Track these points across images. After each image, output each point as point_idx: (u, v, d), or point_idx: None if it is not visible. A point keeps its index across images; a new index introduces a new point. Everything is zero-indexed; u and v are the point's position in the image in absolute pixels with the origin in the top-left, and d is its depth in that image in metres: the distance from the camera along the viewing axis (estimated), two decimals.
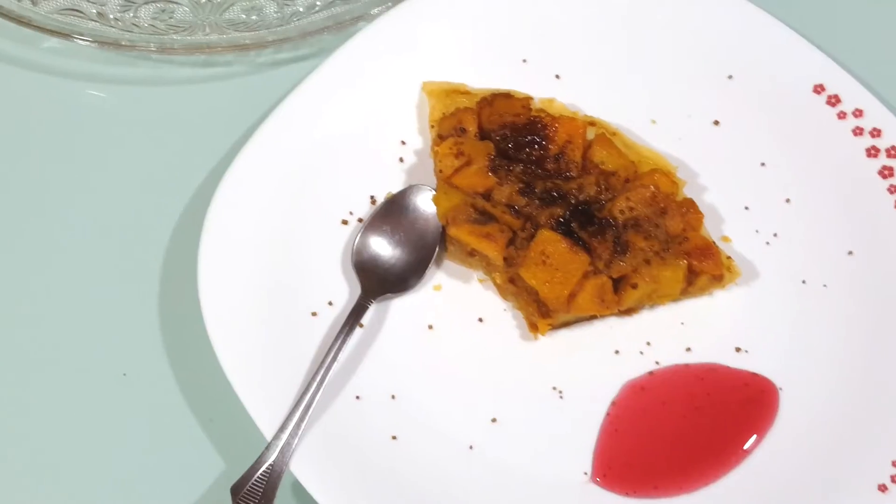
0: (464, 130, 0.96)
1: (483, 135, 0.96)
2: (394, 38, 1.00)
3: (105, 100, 1.03)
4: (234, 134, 1.01)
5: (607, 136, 0.95)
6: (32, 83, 1.03)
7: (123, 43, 1.00)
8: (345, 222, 0.95)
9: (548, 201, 0.92)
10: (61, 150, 1.01)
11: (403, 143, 0.98)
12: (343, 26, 1.02)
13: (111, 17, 1.02)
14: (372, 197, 0.96)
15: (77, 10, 1.02)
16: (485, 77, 1.00)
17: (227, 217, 0.92)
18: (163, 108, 1.03)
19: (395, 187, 0.96)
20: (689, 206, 0.92)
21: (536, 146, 0.94)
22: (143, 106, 1.03)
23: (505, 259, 0.90)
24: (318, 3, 1.04)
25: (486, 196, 0.93)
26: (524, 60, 1.01)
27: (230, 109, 1.02)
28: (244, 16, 1.03)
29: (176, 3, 1.04)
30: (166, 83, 1.04)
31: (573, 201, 0.92)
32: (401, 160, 0.98)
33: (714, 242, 0.91)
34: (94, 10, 1.02)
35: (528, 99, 0.97)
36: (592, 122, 0.96)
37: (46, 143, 1.01)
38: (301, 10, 1.03)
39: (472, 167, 0.93)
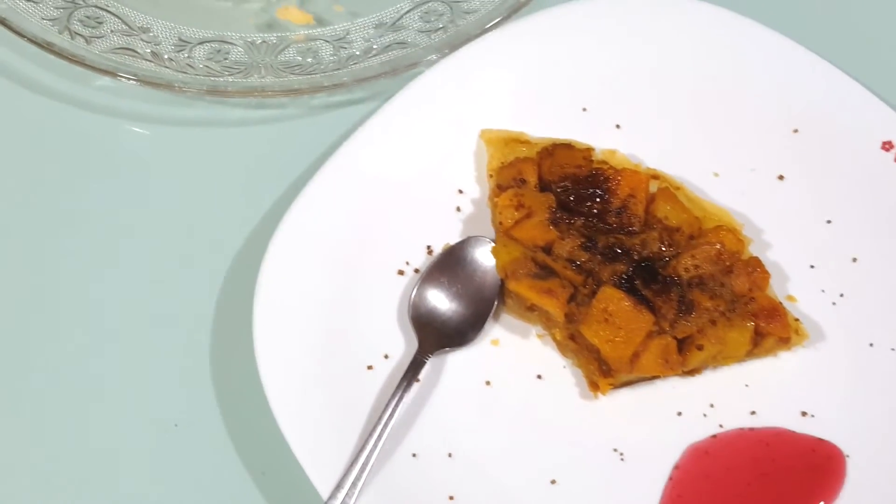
0: (524, 181, 0.94)
1: (543, 186, 0.94)
2: (451, 84, 0.98)
3: (156, 140, 1.02)
4: (288, 178, 0.99)
5: (671, 191, 0.93)
6: (83, 122, 1.02)
7: (176, 85, 0.99)
8: (401, 272, 0.93)
9: (610, 257, 0.90)
10: (110, 192, 0.99)
11: (461, 191, 0.97)
12: (399, 71, 1.00)
13: (165, 56, 1.00)
14: (429, 247, 0.94)
15: (131, 50, 1.01)
16: (544, 125, 0.98)
17: (283, 265, 0.90)
18: (215, 149, 1.02)
19: (453, 237, 0.95)
20: (756, 266, 0.89)
21: (598, 199, 0.92)
22: (195, 147, 1.01)
23: (566, 315, 0.88)
24: (374, 46, 1.02)
25: (547, 250, 0.91)
26: (584, 109, 0.99)
27: (283, 152, 1.01)
28: (300, 58, 1.01)
29: (230, 43, 1.02)
30: (219, 124, 1.02)
31: (636, 257, 0.90)
32: (458, 209, 0.96)
33: (781, 304, 0.89)
34: (149, 50, 1.01)
35: (590, 150, 0.95)
36: (656, 175, 0.94)
37: (94, 183, 1.00)
38: (357, 53, 1.02)
39: (532, 220, 0.91)
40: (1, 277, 0.96)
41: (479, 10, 1.03)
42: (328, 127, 1.01)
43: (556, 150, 0.95)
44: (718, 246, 0.90)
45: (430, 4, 1.04)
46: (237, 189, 1.00)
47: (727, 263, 0.90)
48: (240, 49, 1.02)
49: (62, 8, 1.02)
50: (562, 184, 0.93)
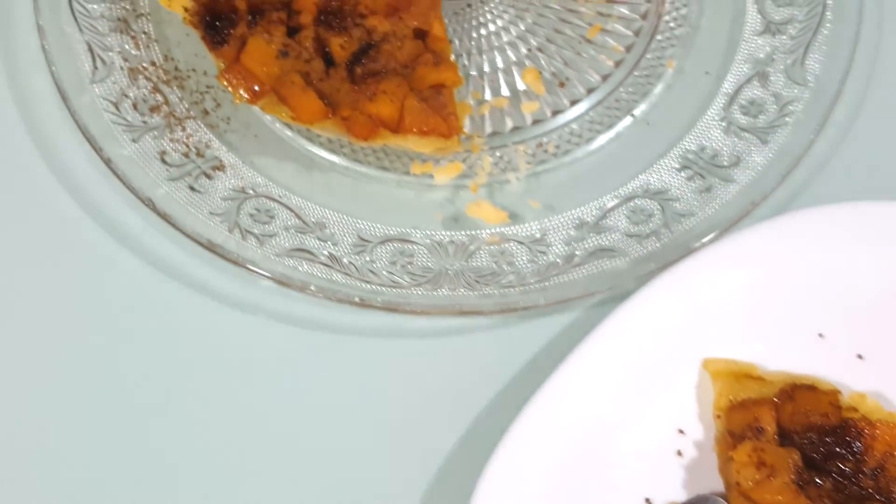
0: (761, 430, 0.81)
1: (782, 435, 0.82)
2: (668, 305, 0.86)
3: (328, 349, 0.90)
4: (479, 401, 0.88)
5: None
6: (249, 325, 0.91)
7: (355, 300, 0.88)
8: None
9: None
10: (276, 403, 0.89)
11: (681, 432, 0.84)
12: (604, 293, 0.89)
13: (345, 260, 0.90)
14: (647, 500, 0.82)
15: (306, 251, 0.90)
16: (775, 354, 0.86)
17: None
18: (393, 363, 0.90)
19: (674, 488, 0.82)
20: None
21: (850, 457, 0.80)
22: (370, 358, 0.90)
23: None
24: (576, 252, 0.91)
25: None
26: (820, 335, 0.87)
27: (472, 369, 0.89)
28: (493, 264, 0.90)
29: (414, 242, 0.91)
30: (398, 334, 0.91)
31: None
32: (679, 454, 0.84)
33: None
34: (326, 252, 0.90)
35: (836, 393, 0.82)
36: None
37: (260, 393, 0.89)
38: (558, 261, 0.90)
39: (775, 481, 0.78)
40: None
41: (694, 212, 0.91)
42: (523, 340, 0.90)
43: (798, 394, 0.82)
44: None
45: (637, 202, 0.93)
46: (420, 411, 0.88)
47: None
48: (424, 250, 0.91)
49: (230, 199, 0.92)
50: (806, 435, 0.81)
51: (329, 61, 0.93)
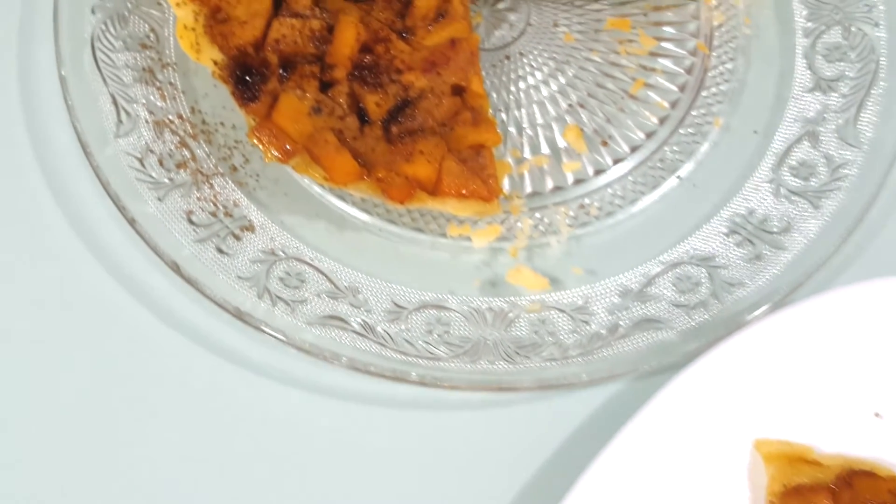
0: None
1: None
2: (719, 382, 0.82)
3: (360, 420, 0.87)
4: (518, 480, 0.84)
5: None
6: (282, 396, 0.87)
7: (388, 374, 0.84)
8: None
9: None
10: (298, 475, 0.85)
11: None
12: (650, 370, 0.85)
13: (378, 329, 0.86)
14: None
15: (339, 319, 0.86)
16: (829, 434, 0.82)
17: None
18: (427, 438, 0.86)
19: None
20: None
21: None
22: (403, 432, 0.87)
23: None
24: (620, 323, 0.87)
25: None
26: (877, 414, 0.83)
27: (510, 444, 0.86)
28: (534, 334, 0.86)
29: (450, 309, 0.88)
30: (432, 407, 0.87)
31: None
32: None
33: None
34: (360, 319, 0.86)
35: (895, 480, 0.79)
36: None
37: (282, 463, 0.86)
38: (603, 332, 0.86)
39: None
40: None
41: (744, 281, 0.88)
42: (565, 413, 0.86)
43: (856, 480, 0.79)
44: None
45: (683, 268, 0.89)
46: (456, 492, 0.85)
47: None
48: (462, 318, 0.87)
49: (259, 262, 0.88)
50: None
51: (363, 118, 0.89)
